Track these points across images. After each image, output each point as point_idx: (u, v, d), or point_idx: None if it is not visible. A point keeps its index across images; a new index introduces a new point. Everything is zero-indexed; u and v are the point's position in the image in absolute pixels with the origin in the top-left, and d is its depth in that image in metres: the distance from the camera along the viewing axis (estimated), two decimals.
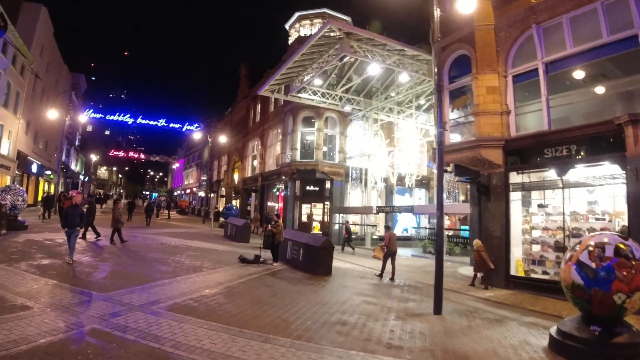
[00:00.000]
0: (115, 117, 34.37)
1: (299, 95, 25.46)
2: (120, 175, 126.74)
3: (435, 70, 11.38)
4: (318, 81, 24.88)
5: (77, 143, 59.83)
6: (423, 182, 30.21)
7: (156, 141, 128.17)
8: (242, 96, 45.87)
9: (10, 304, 6.74)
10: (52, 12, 33.00)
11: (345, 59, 23.72)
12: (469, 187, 21.56)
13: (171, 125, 34.78)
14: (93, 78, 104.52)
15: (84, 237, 15.94)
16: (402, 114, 27.29)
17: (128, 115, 34.20)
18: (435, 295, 9.03)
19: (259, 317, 7.39)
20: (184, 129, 35.19)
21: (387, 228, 15.25)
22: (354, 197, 29.68)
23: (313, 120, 29.18)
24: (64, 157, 49.09)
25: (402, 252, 23.76)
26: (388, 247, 13.71)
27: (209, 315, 7.17)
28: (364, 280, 12.82)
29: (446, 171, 17.75)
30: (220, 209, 40.43)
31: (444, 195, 22.91)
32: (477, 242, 13.19)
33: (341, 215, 28.32)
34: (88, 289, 8.25)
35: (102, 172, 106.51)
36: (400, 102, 27.03)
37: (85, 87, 57.49)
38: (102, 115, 36.49)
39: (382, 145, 25.31)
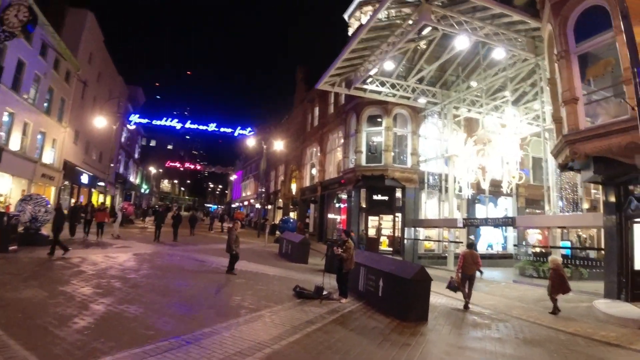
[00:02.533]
0: (162, 122, 32.48)
1: (364, 87, 21.56)
2: (182, 189, 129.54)
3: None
4: (385, 69, 20.83)
5: (136, 156, 59.94)
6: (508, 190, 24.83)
7: (216, 154, 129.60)
8: (299, 100, 42.79)
9: None
10: (104, 22, 31.99)
11: (419, 42, 19.60)
12: (600, 191, 16.45)
13: (222, 129, 32.30)
14: (158, 97, 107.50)
15: None
16: (488, 106, 22.44)
17: (176, 120, 32.16)
18: None
19: None
20: (235, 134, 32.68)
21: (469, 246, 11.85)
22: (430, 207, 25.10)
23: (380, 118, 25.10)
24: (121, 169, 48.67)
25: (495, 275, 18.91)
26: (463, 269, 10.90)
27: None
28: (481, 332, 8.44)
29: (571, 168, 12.99)
30: (277, 222, 37.16)
31: (561, 204, 17.92)
32: (554, 259, 11.54)
33: (414, 229, 23.83)
34: None
35: (165, 185, 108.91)
36: (488, 90, 22.17)
37: (144, 101, 57.51)
38: (149, 120, 34.74)
39: (468, 143, 20.61)
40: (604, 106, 11.42)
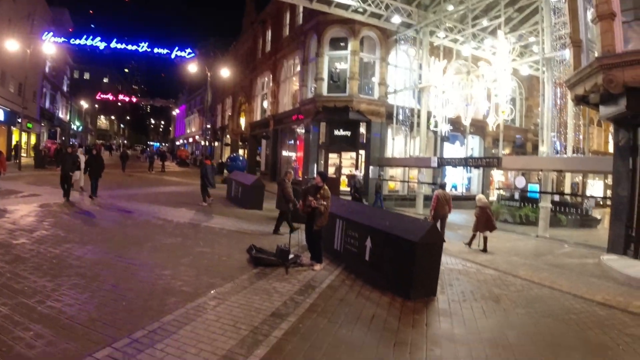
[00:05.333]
0: (82, 42, 26.80)
1: None
2: (122, 125, 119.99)
3: None
4: None
5: (65, 89, 52.41)
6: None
7: (158, 89, 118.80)
8: (248, 23, 37.79)
9: None
10: None
11: None
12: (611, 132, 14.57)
13: (156, 50, 27.28)
14: (92, 25, 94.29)
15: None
16: (470, 30, 19.50)
17: (99, 39, 26.54)
18: None
19: None
20: (172, 55, 27.76)
21: (441, 186, 11.96)
22: (397, 145, 22.67)
23: (344, 42, 21.63)
24: (47, 104, 42.05)
25: (465, 220, 17.19)
26: (435, 210, 11.14)
27: None
28: (509, 309, 6.10)
29: (587, 102, 10.67)
30: (224, 160, 33.68)
31: (565, 146, 15.85)
32: (481, 198, 11.30)
33: (379, 168, 21.41)
34: None
35: (102, 121, 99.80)
36: (473, 11, 19.09)
37: (72, 27, 49.09)
38: (65, 39, 28.79)
39: (448, 71, 17.88)
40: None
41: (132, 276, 6.20)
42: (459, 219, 16.97)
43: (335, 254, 8.28)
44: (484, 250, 10.61)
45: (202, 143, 43.22)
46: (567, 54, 12.63)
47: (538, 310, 6.08)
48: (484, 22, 19.98)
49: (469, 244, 10.98)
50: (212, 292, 5.70)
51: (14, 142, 29.85)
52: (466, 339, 4.86)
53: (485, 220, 10.73)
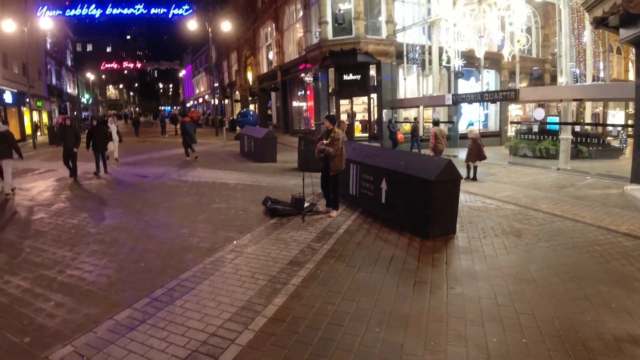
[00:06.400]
0: (77, 12, 26.10)
1: None
2: (131, 93, 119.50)
3: None
4: None
5: (69, 63, 51.81)
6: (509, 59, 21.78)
7: (162, 52, 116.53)
8: None
9: None
10: None
11: None
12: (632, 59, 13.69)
13: (153, 11, 26.35)
14: None
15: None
16: None
17: (93, 7, 25.72)
18: None
19: None
20: (170, 15, 26.90)
21: (436, 123, 12.89)
22: (409, 85, 21.92)
23: None
24: (54, 81, 41.73)
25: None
26: (435, 145, 11.94)
27: None
28: (533, 242, 5.96)
29: (606, 25, 9.92)
30: (235, 117, 33.37)
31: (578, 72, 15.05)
32: (472, 130, 12.04)
33: (393, 110, 20.88)
34: None
35: (111, 91, 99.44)
36: None
37: (67, 2, 47.73)
38: (60, 12, 28.01)
39: (459, 3, 16.86)
40: None
41: (150, 237, 6.25)
42: None
43: (352, 200, 8.18)
44: (474, 179, 11.29)
45: (212, 102, 42.66)
46: None
47: (561, 243, 5.90)
48: None
49: (467, 176, 11.26)
50: (229, 245, 5.70)
51: (27, 122, 29.84)
52: (488, 275, 4.75)
53: (477, 151, 11.34)
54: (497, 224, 6.93)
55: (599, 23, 10.00)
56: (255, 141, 15.45)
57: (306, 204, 7.42)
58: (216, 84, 42.16)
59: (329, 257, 5.28)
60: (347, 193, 8.26)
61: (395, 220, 6.70)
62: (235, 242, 5.86)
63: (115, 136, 14.80)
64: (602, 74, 13.56)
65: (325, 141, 6.99)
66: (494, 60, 20.44)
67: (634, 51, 10.63)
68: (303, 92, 25.94)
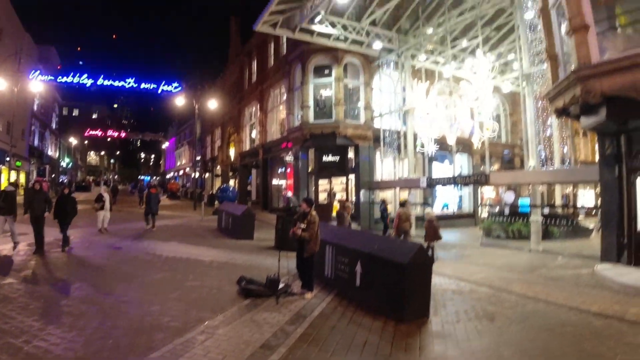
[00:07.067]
0: (69, 79, 27.08)
1: (311, 28, 18.25)
2: (112, 161, 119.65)
3: None
4: (336, 6, 17.61)
5: (54, 126, 52.38)
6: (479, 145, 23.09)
7: (147, 123, 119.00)
8: (234, 55, 38.43)
9: None
10: None
11: None
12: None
13: (143, 86, 27.51)
14: (80, 62, 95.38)
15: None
16: (450, 52, 19.94)
17: (85, 76, 26.80)
18: None
19: None
20: (159, 90, 28.05)
21: (402, 204, 13.26)
22: (385, 167, 22.79)
23: (328, 69, 22.01)
24: (36, 142, 41.91)
25: (458, 238, 17.28)
26: (398, 226, 12.32)
27: None
28: (504, 326, 6.04)
29: (568, 114, 10.88)
30: (215, 191, 33.55)
31: (551, 157, 15.98)
32: (429, 212, 13.03)
33: (370, 191, 21.48)
34: None
35: (92, 157, 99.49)
36: (451, 32, 19.57)
37: (60, 64, 49.39)
38: (52, 77, 29.01)
39: (430, 93, 18.22)
40: (620, 36, 9.26)
41: (120, 313, 6.09)
42: (453, 238, 17.04)
43: (327, 281, 8.20)
44: (431, 259, 11.36)
45: (193, 175, 43.02)
46: (546, 68, 12.94)
47: (534, 325, 6.04)
48: (464, 43, 20.50)
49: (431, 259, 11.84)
50: (200, 326, 5.59)
51: (3, 181, 29.41)
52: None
53: (433, 232, 11.95)
54: (470, 307, 7.02)
55: (561, 112, 10.82)
56: (233, 218, 15.51)
57: (281, 285, 7.41)
58: (198, 158, 42.85)
59: (302, 340, 5.23)
60: (323, 274, 8.30)
61: (370, 303, 6.73)
62: (207, 322, 5.76)
63: (107, 205, 15.08)
64: (569, 157, 14.57)
65: (302, 225, 7.17)
66: (465, 144, 21.69)
67: (597, 136, 11.50)
68: (283, 170, 26.57)
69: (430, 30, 19.97)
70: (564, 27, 10.19)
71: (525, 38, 14.67)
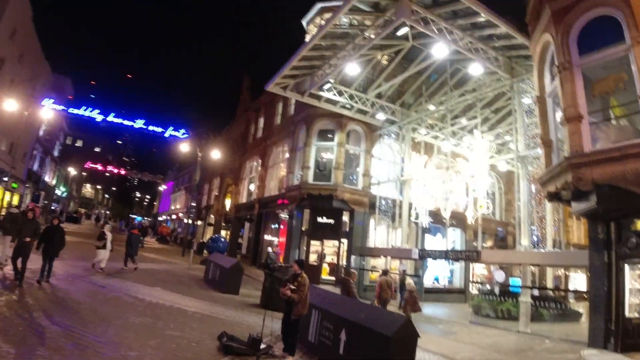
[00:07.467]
0: (80, 112, 27.78)
1: (320, 94, 19.17)
2: (106, 196, 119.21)
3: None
4: (346, 77, 18.71)
5: (56, 154, 52.87)
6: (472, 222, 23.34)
7: (148, 163, 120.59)
8: (242, 110, 39.71)
9: None
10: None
11: (385, 52, 17.78)
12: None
13: (151, 128, 28.27)
14: (92, 96, 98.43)
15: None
16: (449, 129, 20.82)
17: (97, 111, 27.63)
18: None
19: None
20: (167, 134, 28.80)
21: (384, 273, 13.25)
22: (379, 234, 22.89)
23: (332, 133, 22.78)
24: (35, 166, 42.11)
25: (447, 313, 17.03)
26: (379, 295, 12.28)
27: None
28: None
29: (559, 199, 11.21)
30: (206, 240, 33.28)
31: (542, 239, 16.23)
32: (409, 283, 13.12)
33: (361, 257, 21.43)
34: None
35: (88, 190, 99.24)
36: (452, 111, 20.55)
37: (73, 95, 50.92)
38: (64, 108, 29.78)
39: (428, 166, 18.78)
40: (612, 127, 9.82)
41: (96, 355, 5.97)
42: (442, 313, 16.78)
43: (309, 346, 8.06)
44: None
45: (185, 221, 42.81)
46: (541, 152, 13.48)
47: None
48: (463, 121, 21.46)
49: None
50: None
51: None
52: None
53: (413, 303, 12.16)
54: None
55: (553, 197, 11.10)
56: (221, 270, 15.35)
57: (263, 345, 7.29)
58: (194, 204, 42.82)
59: None
60: (306, 339, 8.16)
61: None
62: None
63: (108, 245, 14.78)
64: (561, 239, 14.79)
65: (292, 286, 7.19)
66: (459, 219, 21.92)
67: (587, 221, 11.73)
68: (277, 226, 26.58)
69: (432, 107, 21.00)
70: (558, 116, 10.80)
71: (522, 122, 15.43)
